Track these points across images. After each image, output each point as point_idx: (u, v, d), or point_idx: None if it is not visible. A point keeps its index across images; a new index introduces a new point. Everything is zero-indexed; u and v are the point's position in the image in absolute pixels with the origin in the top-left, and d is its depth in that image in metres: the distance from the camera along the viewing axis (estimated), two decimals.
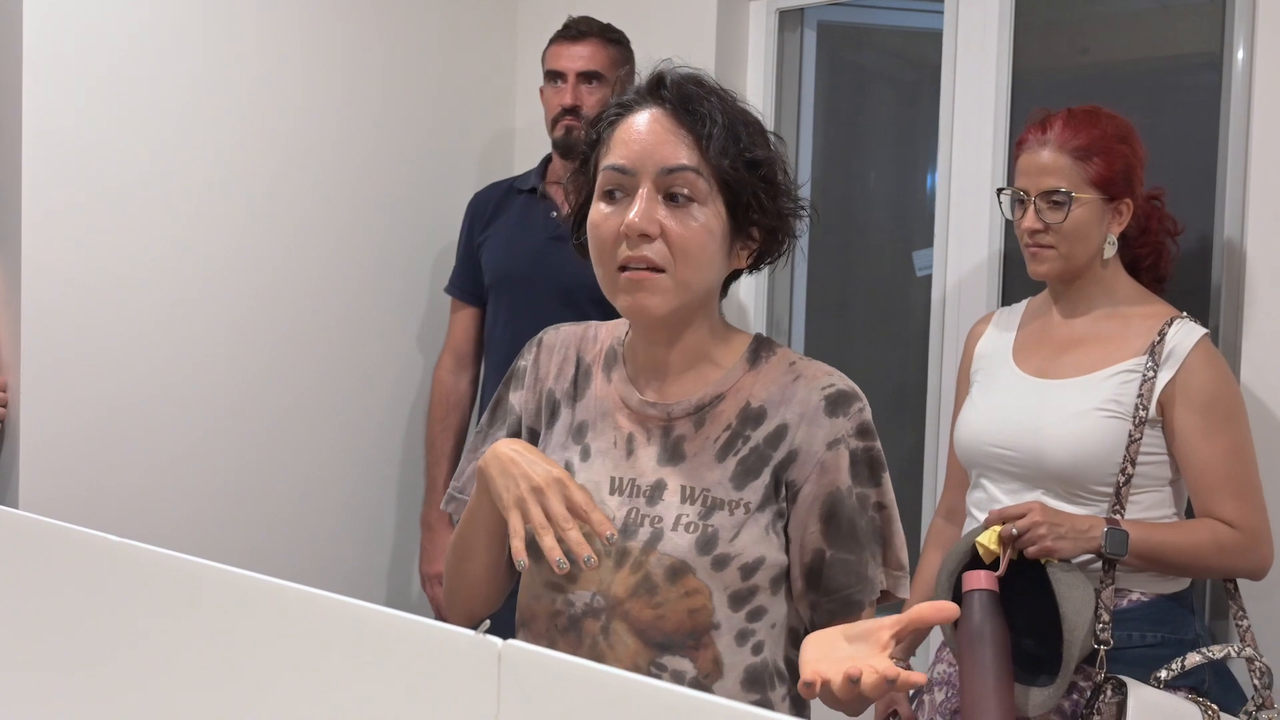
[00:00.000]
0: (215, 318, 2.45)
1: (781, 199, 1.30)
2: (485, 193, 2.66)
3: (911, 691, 2.02)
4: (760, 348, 1.35)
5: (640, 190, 1.23)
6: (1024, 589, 1.73)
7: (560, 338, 1.43)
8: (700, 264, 1.25)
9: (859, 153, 2.90)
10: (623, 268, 1.24)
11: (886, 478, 1.31)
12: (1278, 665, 1.80)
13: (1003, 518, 1.75)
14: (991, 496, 1.90)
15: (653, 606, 1.25)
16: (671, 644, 1.25)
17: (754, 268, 1.35)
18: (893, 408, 2.77)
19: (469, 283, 2.62)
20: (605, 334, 1.42)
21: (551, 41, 2.50)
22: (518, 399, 1.43)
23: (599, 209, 1.27)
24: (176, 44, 2.36)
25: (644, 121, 1.26)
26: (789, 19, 2.74)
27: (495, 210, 2.60)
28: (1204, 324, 1.86)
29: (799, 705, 1.33)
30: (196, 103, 2.39)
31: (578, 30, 2.46)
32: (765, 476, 1.27)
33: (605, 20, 2.49)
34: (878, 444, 1.30)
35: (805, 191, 1.36)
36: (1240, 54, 2.12)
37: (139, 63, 2.31)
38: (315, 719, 0.85)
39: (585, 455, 1.34)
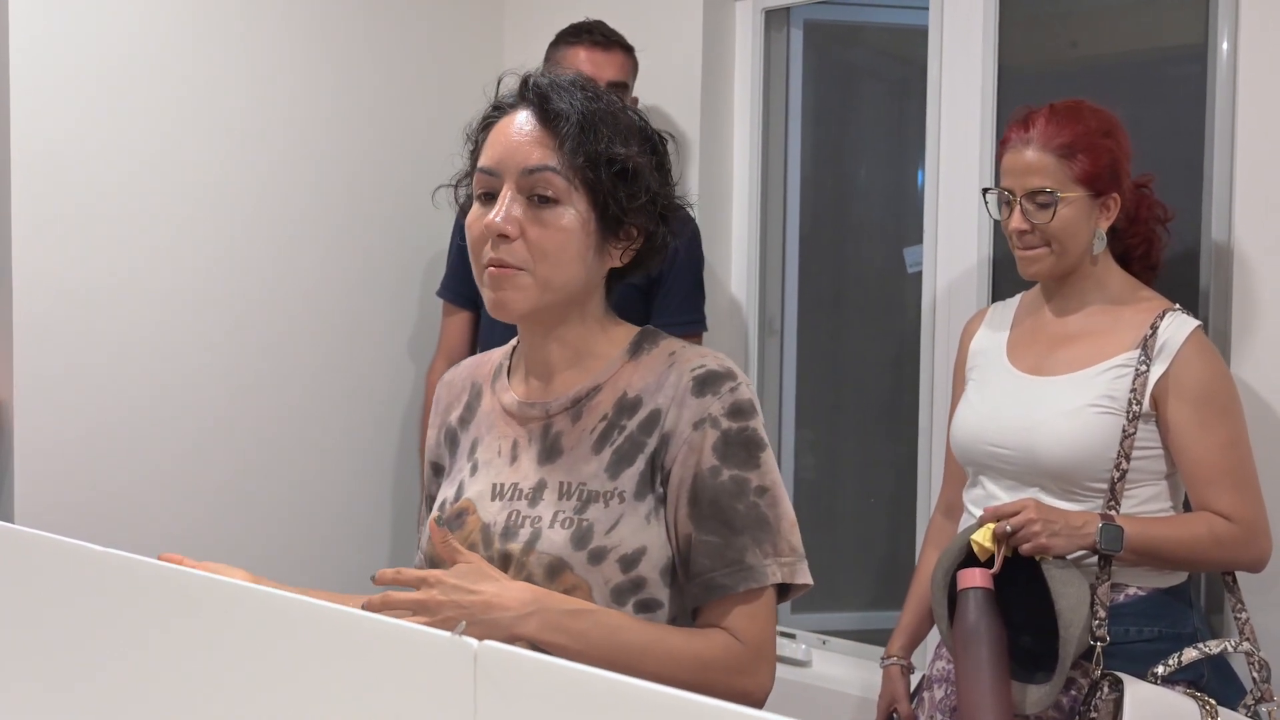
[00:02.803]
0: (207, 325, 2.46)
1: (645, 196, 1.29)
2: None
3: (912, 689, 2.02)
4: (644, 340, 1.35)
5: (503, 192, 1.26)
6: (1021, 586, 1.72)
7: (459, 371, 1.48)
8: (560, 263, 1.26)
9: (848, 150, 2.90)
10: (490, 265, 1.26)
11: (766, 458, 1.26)
12: (1276, 658, 1.79)
13: (997, 515, 1.74)
14: (989, 493, 1.89)
15: None
16: None
17: (636, 267, 1.34)
18: (885, 403, 2.77)
19: (461, 286, 2.61)
20: (499, 354, 1.44)
21: (570, 44, 2.42)
22: (426, 440, 1.48)
23: (474, 210, 1.30)
24: (165, 52, 2.36)
25: (511, 124, 1.28)
26: (775, 18, 2.74)
27: None
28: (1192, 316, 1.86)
29: None
30: (185, 110, 2.40)
31: (605, 37, 2.42)
32: (640, 464, 1.26)
33: (592, 21, 2.46)
34: (753, 424, 1.26)
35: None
36: (1224, 45, 2.12)
37: (127, 71, 2.32)
38: None
39: (474, 470, 1.37)
